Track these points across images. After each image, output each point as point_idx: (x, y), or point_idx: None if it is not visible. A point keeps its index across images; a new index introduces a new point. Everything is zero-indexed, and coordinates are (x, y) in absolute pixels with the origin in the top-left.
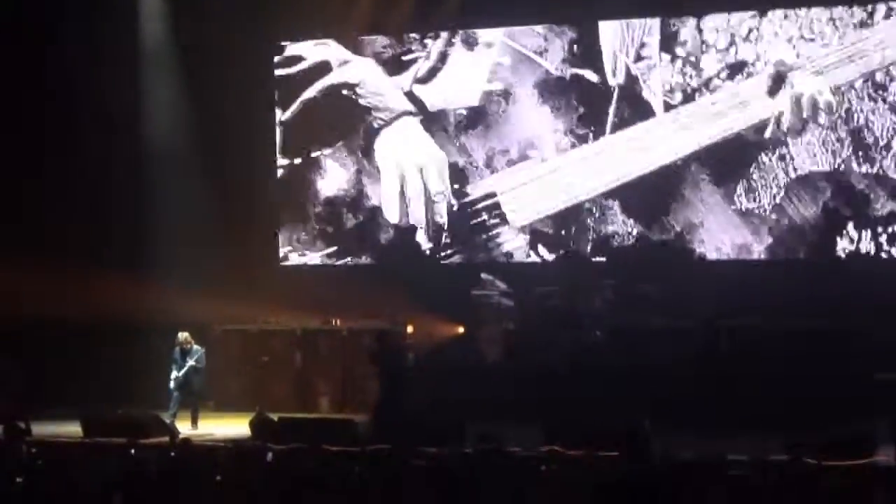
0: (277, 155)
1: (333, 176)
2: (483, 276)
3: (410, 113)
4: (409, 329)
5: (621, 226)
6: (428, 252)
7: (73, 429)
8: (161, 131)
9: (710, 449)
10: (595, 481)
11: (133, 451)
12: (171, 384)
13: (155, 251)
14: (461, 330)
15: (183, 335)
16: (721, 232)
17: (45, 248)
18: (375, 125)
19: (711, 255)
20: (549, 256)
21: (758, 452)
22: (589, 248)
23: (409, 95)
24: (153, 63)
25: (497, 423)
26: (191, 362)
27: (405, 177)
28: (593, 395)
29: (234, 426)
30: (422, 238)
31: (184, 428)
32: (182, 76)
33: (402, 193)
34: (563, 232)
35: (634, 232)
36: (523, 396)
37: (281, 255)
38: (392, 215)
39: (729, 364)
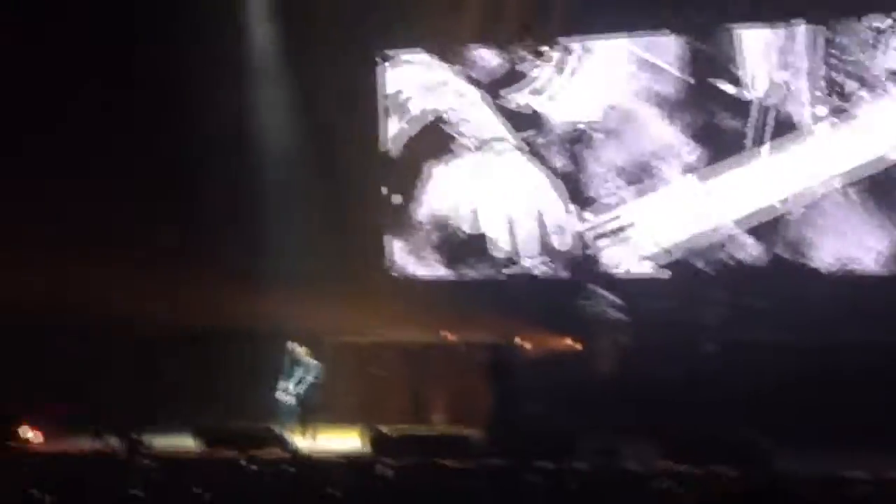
0: (386, 166)
1: (445, 190)
2: (597, 289)
3: (523, 128)
4: (523, 343)
5: (750, 249)
6: (541, 269)
7: (187, 441)
8: (271, 139)
9: (829, 466)
10: (711, 498)
11: (247, 463)
12: (285, 396)
13: (267, 260)
14: (574, 344)
15: (295, 346)
16: (850, 248)
17: (156, 254)
18: (484, 141)
19: (832, 269)
20: (666, 273)
21: (879, 470)
22: (704, 263)
23: (522, 110)
24: (260, 72)
25: (611, 438)
26: (305, 375)
27: (518, 194)
28: (708, 411)
29: (348, 440)
30: (534, 254)
31: (297, 440)
32: (289, 85)
33: (516, 211)
34: (681, 254)
35: (759, 251)
36: (637, 411)
37: (395, 266)
38: (504, 232)
39: (847, 381)
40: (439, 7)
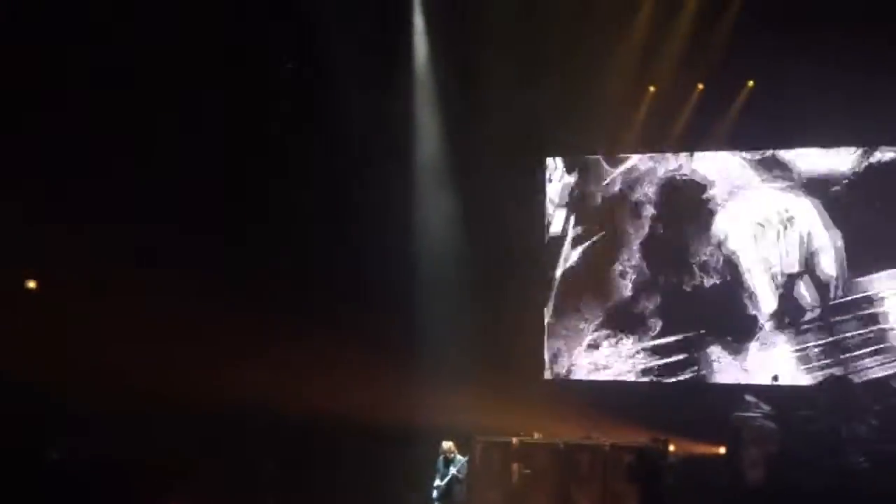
0: (548, 269)
1: (604, 297)
2: (747, 397)
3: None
4: (670, 447)
5: None
6: (697, 374)
7: None
8: (436, 243)
9: None
10: None
11: None
12: (433, 493)
13: (423, 358)
14: (722, 450)
15: (447, 444)
16: None
17: (318, 353)
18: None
19: None
20: (814, 380)
21: None
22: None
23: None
24: (428, 175)
25: None
26: (453, 471)
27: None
28: None
29: None
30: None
31: None
32: (457, 191)
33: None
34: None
35: None
36: None
37: (546, 367)
38: (663, 338)
39: None
40: (606, 115)
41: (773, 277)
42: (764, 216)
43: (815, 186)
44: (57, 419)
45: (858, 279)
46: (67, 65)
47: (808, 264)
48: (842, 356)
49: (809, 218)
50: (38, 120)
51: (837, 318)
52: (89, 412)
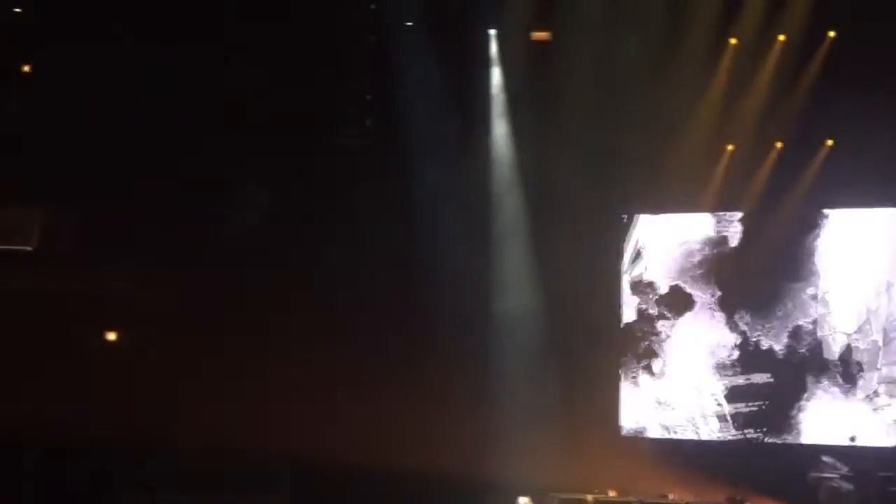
0: (622, 321)
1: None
2: (824, 458)
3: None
4: None
5: None
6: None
7: None
8: (511, 299)
9: None
10: None
11: None
12: None
13: (496, 414)
14: None
15: (523, 500)
16: None
17: (384, 398)
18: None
19: None
20: (891, 441)
21: None
22: None
23: None
24: (505, 236)
25: None
26: None
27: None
28: None
29: None
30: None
31: None
32: (531, 249)
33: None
34: None
35: None
36: None
37: (625, 424)
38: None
39: None
40: (686, 174)
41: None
42: None
43: None
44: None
45: None
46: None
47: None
48: None
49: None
50: None
51: None
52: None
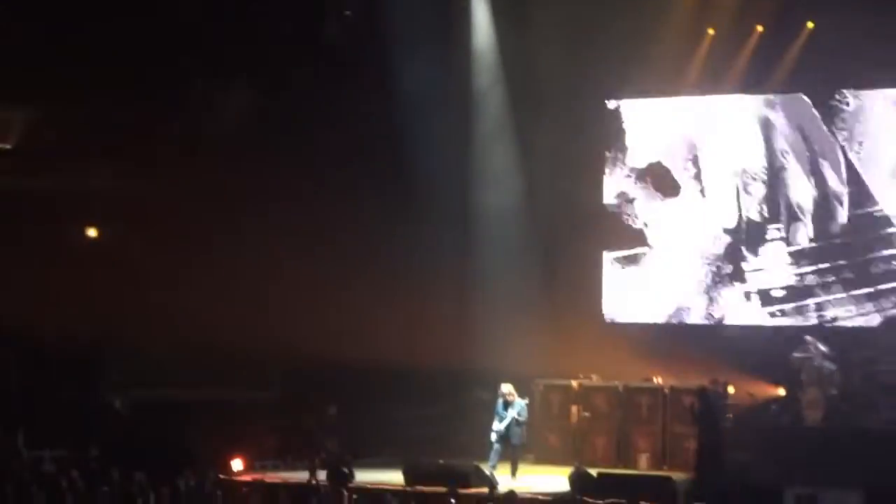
0: (606, 216)
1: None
2: (806, 338)
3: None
4: (730, 389)
5: None
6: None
7: (395, 477)
8: (494, 188)
9: None
10: None
11: (453, 500)
12: (493, 436)
13: (482, 304)
14: (782, 392)
15: (506, 387)
16: None
17: (374, 297)
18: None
19: None
20: (874, 321)
21: None
22: None
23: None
24: (489, 122)
25: (815, 486)
26: (513, 414)
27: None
28: None
29: (553, 479)
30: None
31: (503, 479)
32: (514, 137)
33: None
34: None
35: None
36: (843, 460)
37: (605, 311)
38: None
39: None
40: (669, 59)
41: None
42: None
43: None
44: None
45: None
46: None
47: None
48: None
49: None
50: None
51: None
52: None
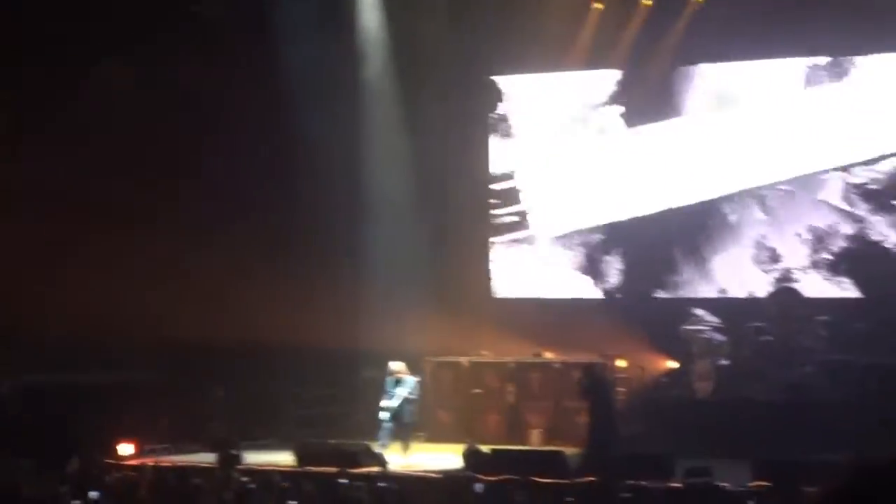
0: (490, 186)
1: (551, 212)
2: (695, 310)
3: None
4: (621, 363)
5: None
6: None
7: (285, 457)
8: (380, 163)
9: None
10: None
11: (343, 480)
12: (383, 414)
13: (369, 282)
14: (672, 364)
15: (396, 365)
16: None
17: (260, 276)
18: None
19: None
20: (762, 292)
21: None
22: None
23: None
24: (373, 102)
25: (706, 458)
26: (403, 392)
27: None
28: (805, 432)
29: (446, 457)
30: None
31: (395, 458)
32: (400, 110)
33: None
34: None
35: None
36: (733, 431)
37: (494, 287)
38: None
39: None
40: (551, 31)
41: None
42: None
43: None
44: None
45: None
46: None
47: None
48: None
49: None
50: None
51: None
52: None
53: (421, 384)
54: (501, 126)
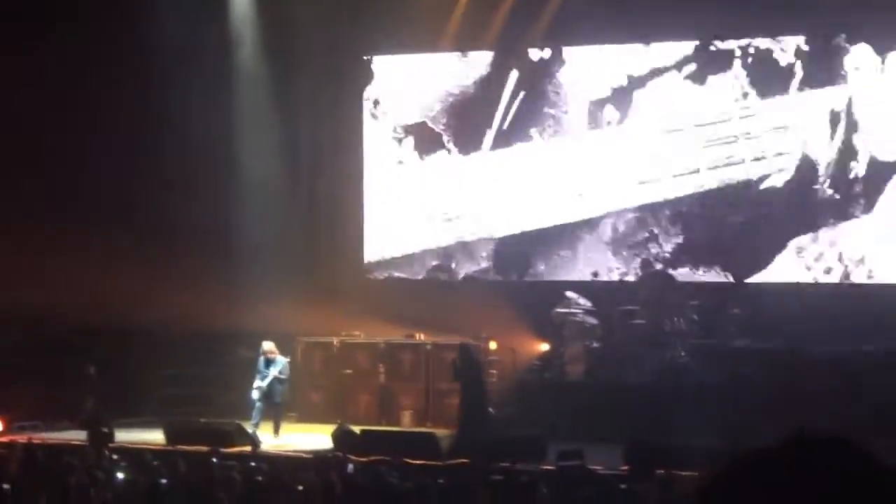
0: (364, 169)
1: (425, 192)
2: (567, 293)
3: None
4: (493, 345)
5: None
6: (517, 271)
7: (156, 436)
8: (251, 144)
9: None
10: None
11: (215, 459)
12: (255, 394)
13: (241, 262)
14: (544, 347)
15: (267, 345)
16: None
17: (130, 257)
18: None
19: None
20: (633, 276)
21: None
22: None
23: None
24: (245, 78)
25: (578, 441)
26: (274, 372)
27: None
28: (676, 415)
29: (317, 437)
30: (506, 253)
31: (266, 438)
32: (270, 90)
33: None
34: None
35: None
36: (605, 415)
37: (366, 268)
38: (483, 234)
39: (811, 387)
40: (426, 13)
41: None
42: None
43: None
44: None
45: None
46: None
47: None
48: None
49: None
50: None
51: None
52: None
53: (292, 364)
54: (377, 104)
